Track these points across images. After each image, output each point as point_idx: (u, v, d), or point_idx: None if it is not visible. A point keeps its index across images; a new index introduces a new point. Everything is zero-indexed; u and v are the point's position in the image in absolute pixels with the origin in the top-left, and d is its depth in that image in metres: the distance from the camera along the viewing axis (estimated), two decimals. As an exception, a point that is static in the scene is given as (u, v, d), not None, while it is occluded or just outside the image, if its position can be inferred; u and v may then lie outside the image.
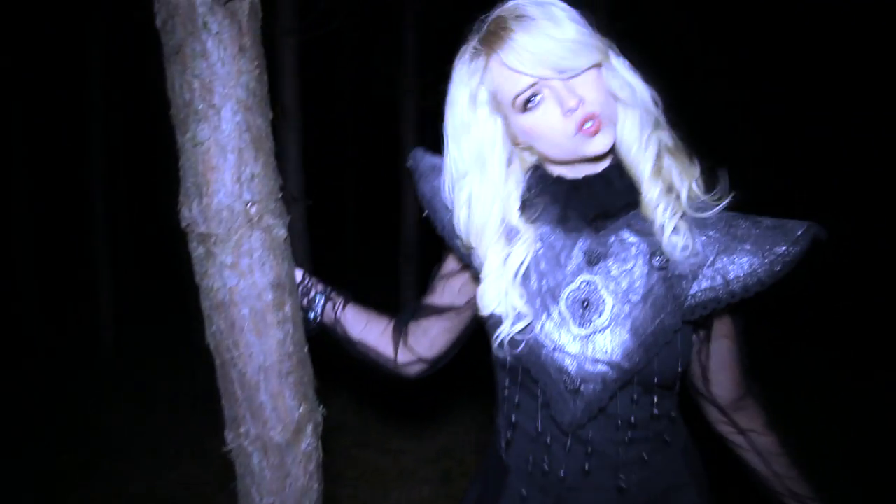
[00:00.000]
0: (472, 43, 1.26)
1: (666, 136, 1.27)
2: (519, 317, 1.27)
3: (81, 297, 8.03)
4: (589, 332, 1.24)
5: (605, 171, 1.29)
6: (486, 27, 1.23)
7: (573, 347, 1.24)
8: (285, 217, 1.46)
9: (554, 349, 1.25)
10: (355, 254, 9.17)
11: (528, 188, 1.34)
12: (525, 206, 1.32)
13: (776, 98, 9.43)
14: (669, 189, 1.25)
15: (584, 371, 1.23)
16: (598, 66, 1.20)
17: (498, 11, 1.22)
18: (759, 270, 1.19)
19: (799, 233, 1.19)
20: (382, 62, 6.06)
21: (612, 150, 1.27)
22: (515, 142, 1.30)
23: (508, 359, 1.31)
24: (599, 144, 1.20)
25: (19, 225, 8.02)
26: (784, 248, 1.18)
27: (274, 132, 3.81)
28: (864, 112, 9.16)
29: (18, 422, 4.96)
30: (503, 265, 1.29)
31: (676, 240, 1.22)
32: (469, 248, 1.34)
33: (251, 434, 1.50)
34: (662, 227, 1.23)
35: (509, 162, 1.31)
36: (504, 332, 1.29)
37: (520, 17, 1.16)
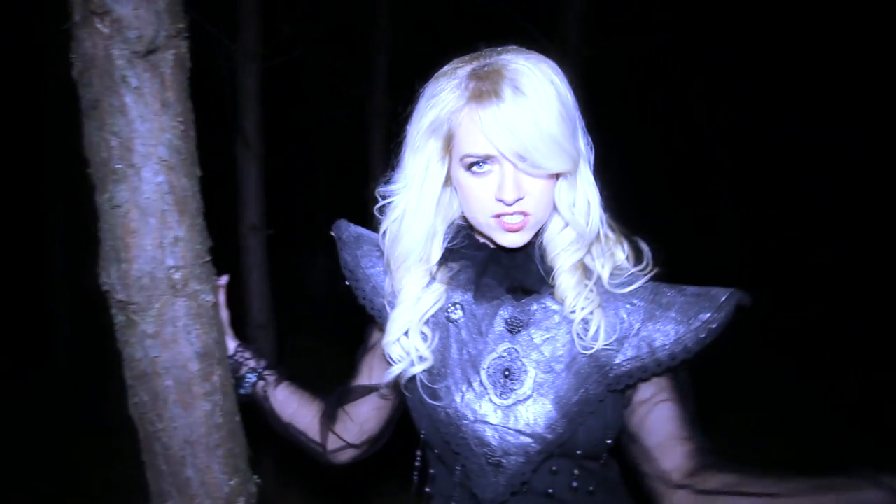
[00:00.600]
0: (462, 73, 1.16)
1: (595, 243, 1.23)
2: (421, 359, 1.24)
3: (38, 319, 7.81)
4: (511, 403, 1.18)
5: (526, 249, 1.24)
6: (481, 71, 1.14)
7: (495, 418, 1.18)
8: (213, 281, 1.37)
9: (475, 420, 1.18)
10: (320, 280, 9.05)
11: (454, 237, 1.29)
12: (445, 259, 1.28)
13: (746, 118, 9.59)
14: (588, 276, 1.22)
15: (507, 443, 1.17)
16: (559, 175, 1.16)
17: (499, 62, 1.13)
18: (685, 338, 1.16)
19: (723, 299, 1.16)
20: (350, 86, 6.00)
21: (536, 235, 1.23)
22: (449, 184, 1.25)
23: (424, 431, 1.28)
24: (513, 240, 1.17)
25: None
26: (709, 314, 1.16)
27: (235, 160, 3.71)
28: (812, 119, 9.38)
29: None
30: (415, 304, 1.25)
31: (588, 326, 1.19)
32: (388, 298, 1.31)
33: (177, 511, 1.41)
34: (573, 312, 1.19)
35: (439, 202, 1.25)
36: (405, 371, 1.26)
37: (516, 88, 1.09)
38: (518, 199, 1.13)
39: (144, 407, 1.34)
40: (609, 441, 1.22)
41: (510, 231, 1.16)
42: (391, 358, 1.28)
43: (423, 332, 1.26)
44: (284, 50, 4.50)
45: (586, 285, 1.20)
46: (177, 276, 1.28)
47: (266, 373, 1.50)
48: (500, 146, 1.10)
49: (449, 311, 1.26)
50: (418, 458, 1.33)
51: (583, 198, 1.19)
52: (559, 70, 1.16)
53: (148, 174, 1.23)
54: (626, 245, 1.26)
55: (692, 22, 7.08)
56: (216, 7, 4.10)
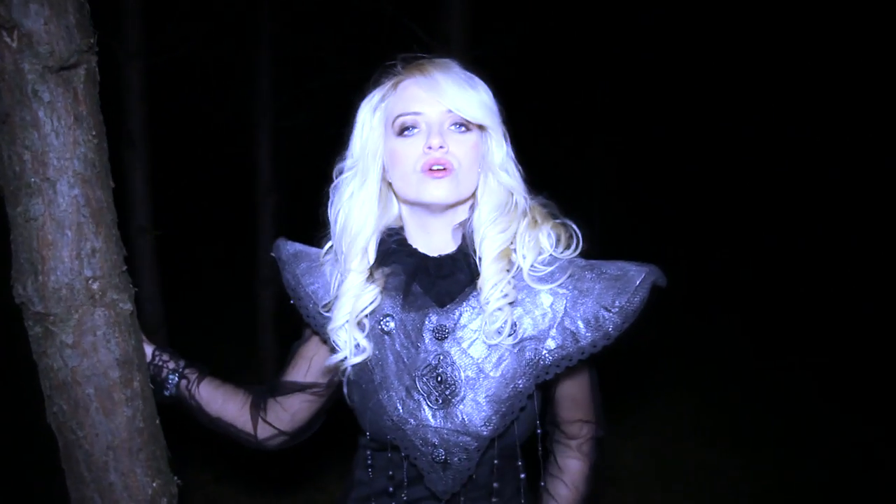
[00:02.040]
0: (398, 66, 1.33)
1: (523, 220, 1.33)
2: (359, 349, 1.33)
3: None
4: (447, 406, 1.27)
5: (455, 253, 1.35)
6: (415, 61, 1.32)
7: (434, 421, 1.27)
8: (131, 290, 1.39)
9: (417, 425, 1.28)
10: (210, 281, 8.84)
11: (389, 235, 1.38)
12: (380, 261, 1.37)
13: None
14: (509, 267, 1.31)
15: (448, 443, 1.27)
16: (483, 129, 1.28)
17: (432, 59, 1.32)
18: (606, 324, 1.26)
19: (637, 283, 1.25)
20: (236, 84, 5.91)
21: (464, 237, 1.33)
22: (385, 175, 1.35)
23: (370, 434, 1.36)
24: (438, 190, 1.24)
25: None
26: (626, 298, 1.25)
27: (120, 160, 3.61)
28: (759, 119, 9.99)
29: None
30: (356, 299, 1.33)
31: (496, 316, 1.27)
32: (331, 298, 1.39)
33: (100, 517, 1.43)
34: (488, 302, 1.27)
35: (380, 191, 1.35)
36: (346, 361, 1.34)
37: (447, 68, 1.27)
38: (441, 147, 1.25)
39: (64, 416, 1.35)
40: (539, 431, 1.33)
41: (434, 178, 1.25)
42: (336, 344, 1.35)
43: (361, 326, 1.35)
44: (169, 49, 4.41)
45: (504, 277, 1.28)
46: (95, 286, 1.30)
47: (187, 371, 1.53)
48: (429, 105, 1.26)
49: (382, 322, 1.34)
50: (369, 458, 1.41)
51: (507, 161, 1.32)
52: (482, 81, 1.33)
53: (63, 187, 1.25)
54: (552, 230, 1.34)
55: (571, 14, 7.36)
56: (99, 5, 3.97)
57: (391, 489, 1.37)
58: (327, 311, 1.39)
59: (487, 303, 1.28)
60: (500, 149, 1.31)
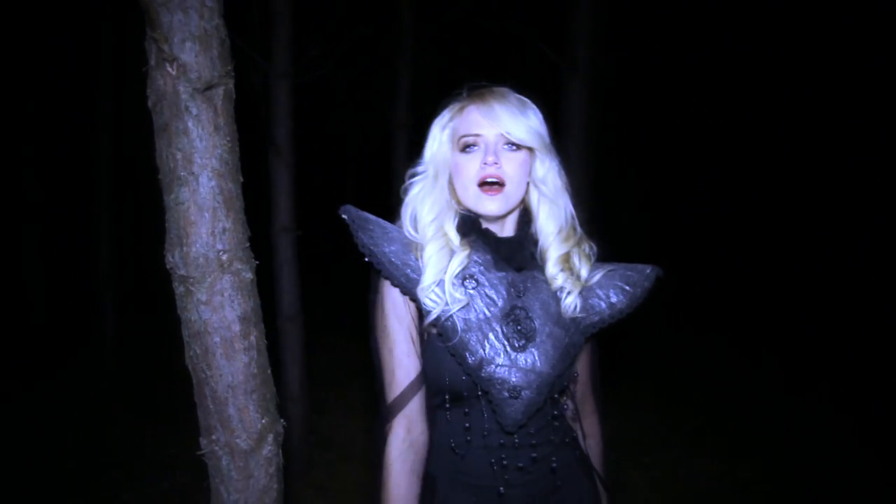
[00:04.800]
0: (465, 93, 1.66)
1: (578, 241, 1.67)
2: (456, 300, 1.57)
3: (86, 313, 8.34)
4: (523, 349, 1.56)
5: (516, 236, 1.66)
6: (478, 89, 1.63)
7: (511, 362, 1.55)
8: (252, 262, 1.76)
9: (498, 365, 1.55)
10: (340, 278, 9.55)
11: (463, 221, 1.66)
12: (461, 229, 1.65)
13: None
14: (571, 272, 1.64)
15: (522, 380, 1.55)
16: (532, 151, 1.57)
17: (491, 87, 1.62)
18: (627, 299, 1.66)
19: (647, 272, 1.69)
20: (376, 99, 6.42)
21: (520, 226, 1.63)
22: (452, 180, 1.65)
23: (448, 378, 1.60)
24: (491, 206, 1.56)
25: (29, 244, 8.42)
26: (640, 282, 1.67)
27: (268, 168, 4.14)
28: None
29: (22, 431, 5.24)
30: (444, 261, 1.57)
31: (569, 302, 1.62)
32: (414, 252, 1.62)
33: (221, 441, 1.80)
34: (560, 293, 1.63)
35: (451, 189, 1.65)
36: (444, 313, 1.56)
37: (503, 97, 1.58)
38: (495, 164, 1.55)
39: (198, 359, 1.74)
40: (577, 373, 1.70)
41: (489, 196, 1.57)
42: (426, 304, 1.59)
43: (453, 283, 1.59)
44: (314, 68, 4.93)
45: (569, 274, 1.62)
46: (224, 257, 1.68)
47: None
48: (488, 127, 1.55)
49: (467, 280, 1.61)
50: (448, 404, 1.64)
51: (552, 179, 1.63)
52: (535, 105, 1.63)
53: (204, 180, 1.63)
54: (590, 244, 1.72)
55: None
56: (252, 30, 4.55)
57: (468, 438, 1.63)
58: (414, 274, 1.60)
59: (552, 275, 1.63)
60: (543, 166, 1.60)
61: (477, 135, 1.56)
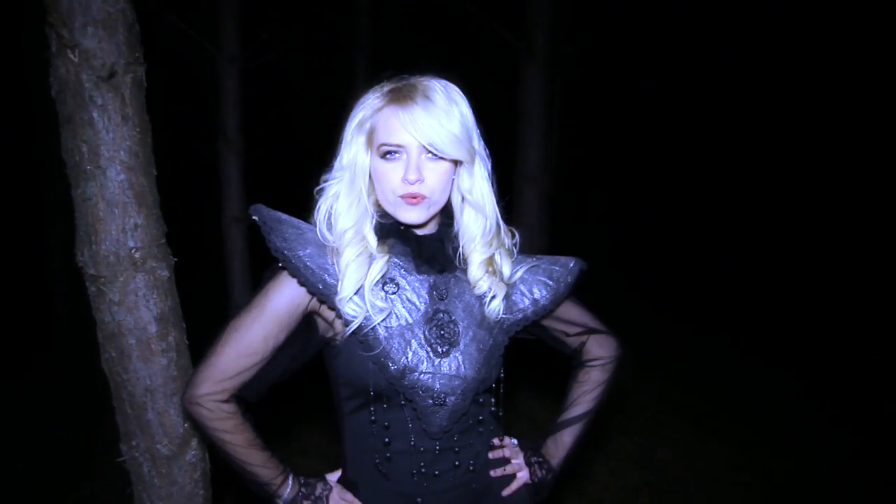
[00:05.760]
0: (386, 87, 1.47)
1: (501, 241, 1.58)
2: (378, 309, 1.47)
3: (39, 309, 8.15)
4: (446, 355, 1.51)
5: (437, 234, 1.57)
6: (400, 84, 1.45)
7: (434, 368, 1.50)
8: (169, 259, 1.67)
9: (421, 372, 1.49)
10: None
11: (382, 216, 1.58)
12: (383, 235, 1.54)
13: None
14: (493, 272, 1.57)
15: (446, 386, 1.50)
16: (457, 162, 1.48)
17: (414, 80, 1.45)
18: (551, 294, 1.62)
19: (571, 265, 1.65)
20: (333, 86, 6.29)
21: (441, 223, 1.55)
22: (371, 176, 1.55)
23: (382, 386, 1.53)
24: (412, 216, 1.46)
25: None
26: (563, 277, 1.64)
27: (216, 157, 4.00)
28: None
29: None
30: (364, 267, 1.47)
31: (494, 306, 1.56)
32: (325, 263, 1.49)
33: (141, 447, 1.72)
34: (485, 296, 1.56)
35: (370, 190, 1.55)
36: (365, 323, 1.46)
37: (426, 97, 1.41)
38: (418, 181, 1.44)
39: (113, 362, 1.66)
40: (502, 374, 1.60)
41: (410, 205, 1.45)
42: (346, 314, 1.47)
43: (373, 291, 1.49)
44: (264, 52, 4.79)
45: (491, 276, 1.56)
46: (137, 255, 1.59)
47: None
48: (409, 137, 1.41)
49: (387, 285, 1.53)
50: (373, 414, 1.54)
51: (478, 187, 1.52)
52: (461, 93, 1.49)
53: (112, 174, 1.54)
54: (511, 233, 1.61)
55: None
56: (198, 14, 4.41)
57: (389, 443, 1.57)
58: (331, 279, 1.48)
59: (476, 279, 1.55)
60: (470, 176, 1.50)
61: (398, 145, 1.44)
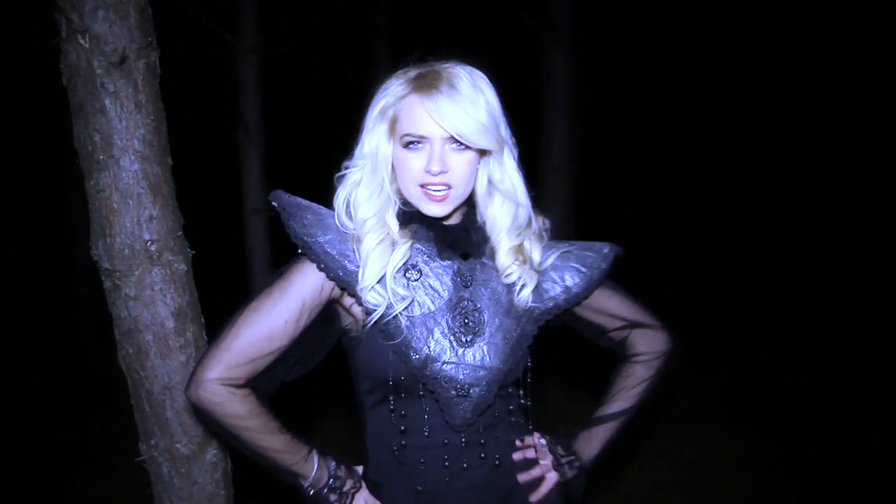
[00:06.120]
0: (410, 74, 1.40)
1: (532, 230, 1.51)
2: (401, 298, 1.41)
3: (64, 304, 8.21)
4: (471, 344, 1.44)
5: (464, 224, 1.50)
6: (424, 72, 1.37)
7: (458, 358, 1.44)
8: (186, 252, 1.61)
9: (444, 362, 1.43)
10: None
11: (404, 203, 1.51)
12: (405, 221, 1.48)
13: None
14: (523, 261, 1.49)
15: (470, 377, 1.44)
16: (482, 152, 1.40)
17: (440, 66, 1.37)
18: (584, 282, 1.54)
19: (605, 251, 1.57)
20: (355, 75, 6.22)
21: (467, 212, 1.47)
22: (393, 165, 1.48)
23: (393, 376, 1.48)
24: (434, 210, 1.40)
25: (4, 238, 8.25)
26: (597, 263, 1.56)
27: (236, 147, 3.94)
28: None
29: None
30: (385, 255, 1.41)
31: (524, 295, 1.48)
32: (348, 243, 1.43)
33: (160, 446, 1.67)
34: (514, 284, 1.48)
35: (392, 178, 1.49)
36: (387, 312, 1.41)
37: (451, 86, 1.34)
38: (442, 172, 1.37)
39: (130, 358, 1.60)
40: (530, 363, 1.53)
41: (434, 201, 1.39)
42: (367, 303, 1.41)
43: (395, 278, 1.43)
44: (284, 42, 4.73)
45: (521, 264, 1.48)
46: (153, 247, 1.53)
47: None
48: (435, 127, 1.34)
49: (409, 272, 1.47)
50: (392, 404, 1.48)
51: (509, 176, 1.45)
52: (487, 79, 1.41)
53: (125, 163, 1.48)
54: (543, 224, 1.54)
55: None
56: (217, 4, 4.36)
57: (410, 438, 1.51)
58: (352, 265, 1.43)
59: (505, 267, 1.48)
60: (499, 166, 1.43)
61: (422, 136, 1.37)
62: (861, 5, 7.63)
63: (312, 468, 1.39)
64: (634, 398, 1.64)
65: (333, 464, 1.44)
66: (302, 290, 1.39)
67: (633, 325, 1.65)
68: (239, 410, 1.32)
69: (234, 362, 1.30)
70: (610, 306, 1.63)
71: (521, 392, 1.55)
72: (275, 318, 1.34)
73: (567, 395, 4.70)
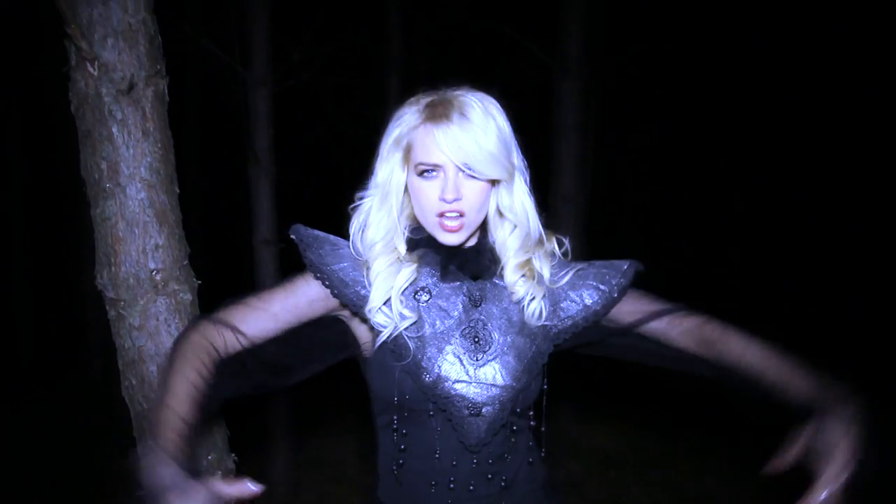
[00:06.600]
0: (422, 102, 1.43)
1: (542, 249, 1.51)
2: (404, 318, 1.43)
3: (74, 326, 8.21)
4: (482, 363, 1.44)
5: (476, 247, 1.51)
6: (436, 100, 1.40)
7: (471, 377, 1.43)
8: (192, 282, 1.59)
9: (455, 381, 1.43)
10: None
11: (413, 230, 1.51)
12: (412, 247, 1.51)
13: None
14: (531, 276, 1.49)
15: (483, 396, 1.43)
16: (495, 182, 1.40)
17: (451, 94, 1.41)
18: (602, 299, 1.51)
19: (625, 268, 1.53)
20: (366, 106, 6.25)
21: (479, 237, 1.48)
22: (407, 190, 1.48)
23: (408, 395, 1.46)
24: (450, 239, 1.42)
25: (16, 257, 8.30)
26: (616, 280, 1.52)
27: (246, 179, 3.94)
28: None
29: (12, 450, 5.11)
30: (392, 278, 1.44)
31: (533, 309, 1.48)
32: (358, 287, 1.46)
33: (163, 481, 1.63)
34: (522, 300, 1.48)
35: (402, 207, 1.49)
36: (393, 332, 1.42)
37: (462, 114, 1.36)
38: (456, 199, 1.37)
39: (133, 390, 1.57)
40: (545, 385, 1.51)
41: (449, 231, 1.41)
42: (376, 325, 1.44)
43: (401, 300, 1.45)
44: (295, 74, 4.76)
45: (529, 279, 1.48)
46: (158, 277, 1.51)
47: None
48: (445, 157, 1.36)
49: (418, 293, 1.48)
50: (395, 423, 1.49)
51: (519, 203, 1.46)
52: (498, 105, 1.43)
53: (132, 192, 1.46)
54: (554, 241, 1.54)
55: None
56: (229, 36, 4.39)
57: (419, 460, 1.48)
58: (365, 291, 1.46)
59: (512, 283, 1.48)
60: (510, 194, 1.43)
61: (435, 164, 1.38)
62: (865, 6, 7.61)
63: (161, 455, 1.16)
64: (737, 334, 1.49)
65: (177, 472, 1.15)
66: (308, 290, 1.46)
67: (666, 312, 1.55)
68: (185, 350, 1.30)
69: (233, 323, 1.38)
70: (638, 305, 1.57)
71: (532, 413, 1.53)
72: (279, 300, 1.43)
73: (579, 429, 4.63)
